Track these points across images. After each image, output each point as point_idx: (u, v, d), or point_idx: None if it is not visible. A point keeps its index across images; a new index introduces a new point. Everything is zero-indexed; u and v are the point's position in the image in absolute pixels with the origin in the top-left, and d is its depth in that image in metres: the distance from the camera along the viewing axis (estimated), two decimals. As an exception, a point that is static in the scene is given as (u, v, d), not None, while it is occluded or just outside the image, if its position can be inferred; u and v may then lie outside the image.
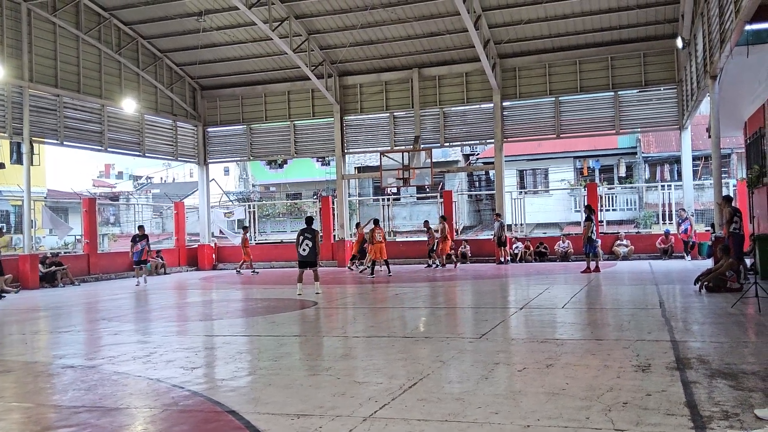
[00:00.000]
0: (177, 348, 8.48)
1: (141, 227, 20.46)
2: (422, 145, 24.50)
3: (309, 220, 14.91)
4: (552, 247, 23.80)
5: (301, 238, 14.41)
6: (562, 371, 6.20)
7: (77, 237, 26.31)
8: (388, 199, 29.80)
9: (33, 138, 20.02)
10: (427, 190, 31.88)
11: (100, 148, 23.12)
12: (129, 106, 23.01)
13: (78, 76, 21.57)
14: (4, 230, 17.52)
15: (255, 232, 29.23)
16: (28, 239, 20.06)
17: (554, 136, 24.28)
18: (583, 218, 18.43)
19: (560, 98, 23.51)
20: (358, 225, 23.12)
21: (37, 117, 19.99)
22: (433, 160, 24.84)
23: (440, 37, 23.14)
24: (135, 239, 19.94)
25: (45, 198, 28.07)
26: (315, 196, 36.38)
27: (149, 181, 60.76)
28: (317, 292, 14.39)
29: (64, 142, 21.51)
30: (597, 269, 17.74)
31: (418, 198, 36.79)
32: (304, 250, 14.39)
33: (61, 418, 5.39)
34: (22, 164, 19.83)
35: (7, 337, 10.52)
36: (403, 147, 24.67)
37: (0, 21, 18.77)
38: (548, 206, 33.23)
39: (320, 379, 6.30)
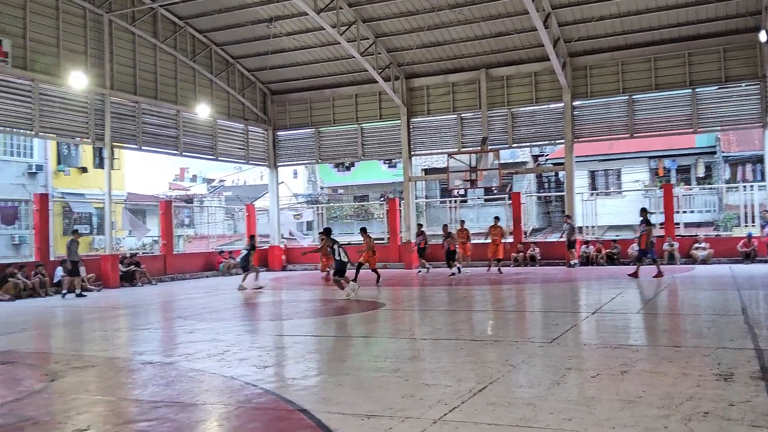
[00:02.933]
0: (249, 346, 8.69)
1: (252, 237, 20.39)
2: (490, 146, 24.28)
3: (328, 231, 15.67)
4: (625, 250, 23.13)
5: (336, 246, 14.59)
6: (638, 378, 6.03)
7: (154, 238, 27.27)
8: (456, 201, 29.65)
9: (114, 143, 20.90)
10: (495, 191, 31.55)
11: (176, 152, 23.92)
12: (203, 111, 23.71)
13: (155, 83, 22.38)
14: (80, 231, 18.18)
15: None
16: (109, 240, 20.95)
17: (627, 135, 23.60)
18: (641, 222, 17.30)
19: (634, 96, 22.84)
20: (419, 226, 22.98)
21: (117, 123, 20.84)
22: (501, 162, 24.56)
23: (508, 37, 22.88)
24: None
25: (125, 201, 29.24)
26: (382, 198, 36.57)
27: (222, 183, 62.43)
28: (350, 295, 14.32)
29: (143, 147, 22.34)
30: (635, 274, 16.77)
31: (485, 200, 36.45)
32: (345, 255, 14.56)
33: (142, 412, 5.61)
34: (104, 169, 20.67)
35: (91, 333, 11.01)
36: (471, 148, 24.50)
37: (84, 33, 19.68)
38: (621, 208, 32.28)
39: (389, 380, 6.33)
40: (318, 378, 6.75)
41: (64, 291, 17.05)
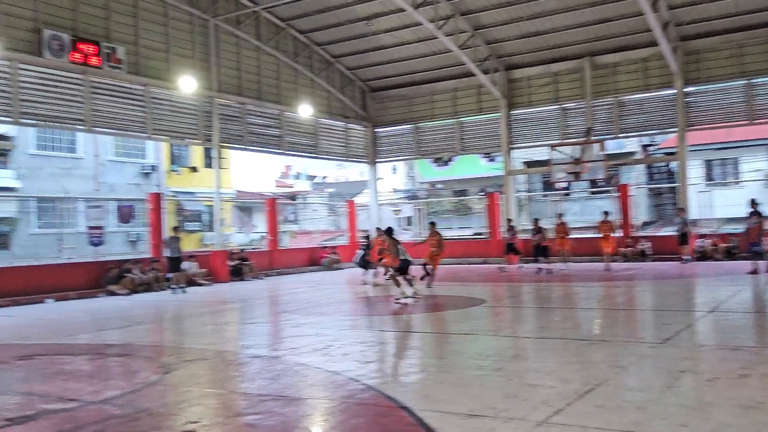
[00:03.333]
0: (352, 342, 8.80)
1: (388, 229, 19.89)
2: (594, 137, 23.43)
3: (392, 230, 14.43)
4: (743, 245, 21.68)
5: (396, 244, 13.73)
6: (759, 383, 5.62)
7: (262, 234, 28.19)
8: (559, 195, 28.85)
9: (221, 144, 21.76)
10: (600, 184, 30.45)
11: (279, 151, 24.62)
12: (304, 110, 24.26)
13: (258, 84, 23.10)
14: (189, 228, 18.88)
15: (423, 229, 29.60)
16: (218, 236, 21.86)
17: (746, 122, 22.12)
18: (751, 214, 15.98)
19: (753, 80, 21.36)
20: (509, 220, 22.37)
21: (224, 124, 21.68)
22: (607, 152, 23.64)
23: (614, 23, 21.95)
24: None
25: (233, 198, 30.44)
26: (481, 193, 36.13)
27: (324, 180, 63.75)
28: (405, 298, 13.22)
29: (248, 147, 23.16)
30: (755, 271, 15.55)
31: (591, 192, 35.25)
32: (405, 254, 13.91)
33: (250, 405, 5.79)
34: (212, 168, 21.55)
35: (202, 327, 11.51)
36: (574, 140, 23.74)
37: (191, 38, 20.59)
38: (739, 199, 30.34)
39: (491, 379, 6.22)
40: (419, 375, 6.73)
41: (173, 286, 17.76)
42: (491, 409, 5.12)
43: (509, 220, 22.38)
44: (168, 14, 19.84)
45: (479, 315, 11.32)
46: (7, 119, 16.51)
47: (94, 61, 17.14)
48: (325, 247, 26.74)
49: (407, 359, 7.56)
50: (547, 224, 21.24)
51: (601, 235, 20.54)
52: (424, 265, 15.92)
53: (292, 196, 48.46)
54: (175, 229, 18.84)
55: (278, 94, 23.85)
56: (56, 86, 16.93)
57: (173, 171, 30.88)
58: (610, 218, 21.10)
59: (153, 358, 8.25)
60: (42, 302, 16.10)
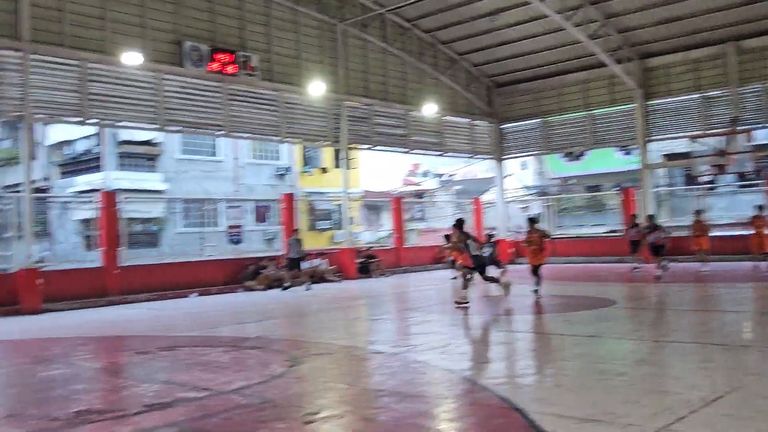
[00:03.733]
0: (471, 341, 8.78)
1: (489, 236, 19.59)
2: (741, 126, 21.75)
3: (462, 223, 13.21)
4: None
5: (470, 241, 12.78)
6: None
7: (388, 232, 28.65)
8: (703, 189, 27.06)
9: (349, 145, 22.38)
10: (749, 177, 28.22)
11: (405, 150, 24.94)
12: (429, 109, 24.40)
13: (385, 85, 23.50)
14: (299, 230, 19.34)
15: (552, 227, 28.82)
16: (347, 234, 22.51)
17: None
18: None
19: None
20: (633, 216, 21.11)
21: (352, 125, 22.26)
22: (757, 143, 21.87)
23: (760, 5, 20.26)
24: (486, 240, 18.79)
25: (362, 197, 31.16)
26: (616, 188, 34.58)
27: (451, 177, 63.70)
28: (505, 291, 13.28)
29: (375, 147, 23.66)
30: None
31: (739, 186, 32.77)
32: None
33: (367, 400, 5.96)
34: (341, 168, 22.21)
35: (330, 322, 11.93)
36: (718, 130, 22.16)
37: (320, 43, 21.32)
38: None
39: (612, 383, 5.99)
40: (536, 377, 6.62)
41: (286, 284, 18.08)
42: (609, 415, 4.94)
43: (633, 216, 21.07)
44: (298, 21, 20.64)
45: (607, 317, 10.88)
46: (154, 126, 17.93)
47: (230, 69, 18.20)
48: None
49: (526, 360, 7.44)
50: (686, 221, 19.99)
51: (753, 232, 19.03)
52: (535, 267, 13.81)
53: (419, 194, 48.81)
54: (296, 231, 19.42)
55: (404, 94, 24.13)
56: (196, 94, 18.12)
57: (305, 172, 32.10)
58: (765, 213, 19.47)
59: (282, 351, 8.65)
60: (186, 296, 17.32)
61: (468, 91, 26.63)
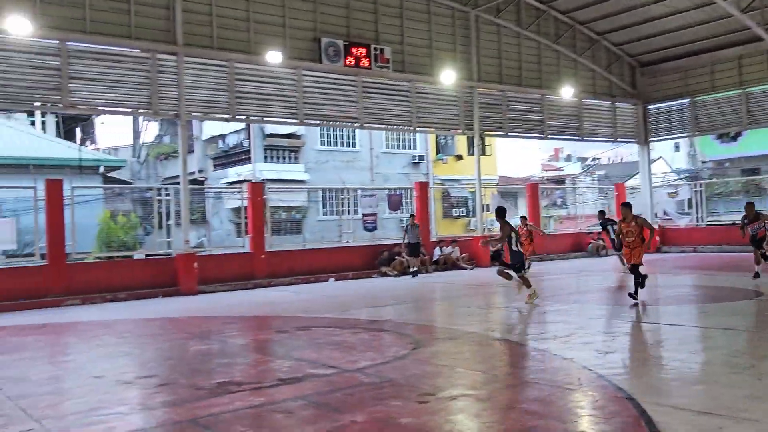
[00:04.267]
0: (597, 331, 8.66)
1: (601, 212, 19.42)
2: None
3: (504, 212, 11.71)
4: None
5: (514, 235, 11.50)
6: None
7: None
8: None
9: (482, 132, 22.34)
10: None
11: (540, 135, 24.47)
12: (566, 92, 23.75)
13: (519, 70, 23.15)
14: (412, 219, 19.49)
15: (704, 213, 27.11)
16: (479, 222, 22.56)
17: None
18: None
19: None
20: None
21: (485, 112, 22.18)
22: None
23: None
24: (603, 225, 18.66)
25: (496, 184, 30.95)
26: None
27: (595, 162, 61.37)
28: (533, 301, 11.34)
29: (508, 133, 23.43)
30: None
31: None
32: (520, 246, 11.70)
33: (480, 384, 6.13)
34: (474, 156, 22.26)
35: (458, 309, 12.15)
36: None
37: (452, 31, 21.38)
38: None
39: (738, 378, 5.75)
40: (658, 368, 6.46)
41: (413, 270, 18.56)
42: (728, 409, 4.79)
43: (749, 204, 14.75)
44: (431, 11, 20.85)
45: (747, 309, 10.25)
46: (294, 121, 18.92)
47: (365, 62, 18.79)
48: (591, 233, 25.93)
49: (650, 351, 7.25)
50: None
51: None
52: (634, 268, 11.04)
53: (560, 180, 47.54)
54: (412, 216, 19.88)
55: (539, 78, 23.67)
56: (333, 88, 18.89)
57: (439, 160, 32.38)
58: None
59: (407, 334, 8.99)
60: (325, 281, 18.23)
61: (609, 72, 25.61)
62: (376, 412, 5.24)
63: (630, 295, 10.52)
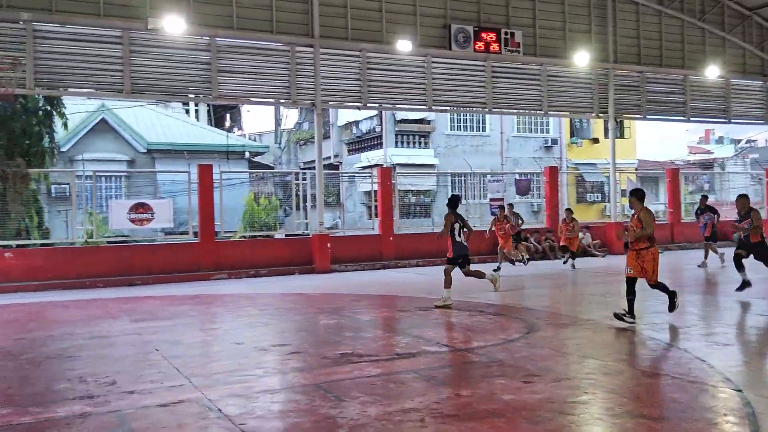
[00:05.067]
0: (719, 323, 8.47)
1: (704, 197, 18.33)
2: None
3: (457, 202, 11.09)
4: None
5: (458, 225, 10.73)
6: None
7: (663, 206, 27.13)
8: None
9: (617, 114, 21.68)
10: None
11: (682, 118, 23.31)
12: (712, 72, 22.45)
13: (659, 50, 22.15)
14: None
15: None
16: (614, 208, 21.97)
17: None
18: None
19: None
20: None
21: (620, 95, 21.49)
22: None
23: None
24: (698, 212, 17.61)
25: (636, 169, 29.79)
26: None
27: (750, 145, 57.00)
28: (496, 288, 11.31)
29: (646, 116, 22.55)
30: None
31: None
32: (464, 240, 10.84)
33: (587, 369, 6.30)
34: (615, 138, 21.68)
35: (580, 296, 12.17)
36: None
37: (587, 12, 20.83)
38: None
39: None
40: (778, 363, 6.32)
41: (516, 258, 17.82)
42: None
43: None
44: (566, -8, 20.47)
45: None
46: (423, 107, 19.41)
47: (494, 47, 18.87)
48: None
49: (777, 346, 7.06)
50: None
51: None
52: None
53: (708, 164, 44.71)
54: (510, 205, 19.27)
55: (681, 58, 22.56)
56: (462, 74, 19.14)
57: (573, 143, 31.62)
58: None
59: (522, 319, 9.23)
60: (451, 264, 18.59)
61: (762, 49, 23.89)
62: (479, 388, 5.62)
63: (616, 315, 8.38)
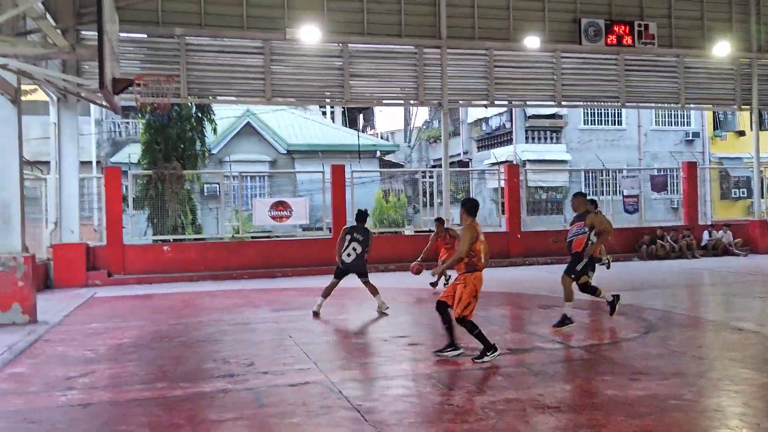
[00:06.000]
0: None
1: None
2: None
3: (362, 216, 10.57)
4: None
5: (349, 238, 10.24)
6: None
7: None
8: None
9: (761, 107, 20.33)
10: None
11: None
12: None
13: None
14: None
15: None
16: (757, 205, 20.65)
17: None
18: None
19: None
20: None
21: (765, 86, 20.13)
22: None
23: None
24: None
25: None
26: None
27: None
28: (383, 311, 10.17)
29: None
30: None
31: None
32: (348, 254, 10.21)
33: (696, 368, 6.30)
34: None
35: (708, 296, 11.75)
36: None
37: (728, 0, 19.67)
38: None
39: None
40: None
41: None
42: None
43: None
44: (706, -22, 19.48)
45: None
46: (551, 103, 19.26)
47: (627, 40, 18.38)
48: None
49: None
50: None
51: None
52: None
53: None
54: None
55: None
56: (592, 68, 18.83)
57: (717, 136, 29.75)
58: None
59: (644, 318, 9.16)
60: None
61: None
62: (585, 383, 5.84)
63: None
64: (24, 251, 9.87)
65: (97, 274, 15.51)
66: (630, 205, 20.34)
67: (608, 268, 15.03)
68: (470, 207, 7.02)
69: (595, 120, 28.33)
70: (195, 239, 18.39)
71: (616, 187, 21.21)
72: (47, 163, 16.45)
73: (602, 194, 21.52)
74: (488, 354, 6.64)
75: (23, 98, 10.22)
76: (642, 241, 19.16)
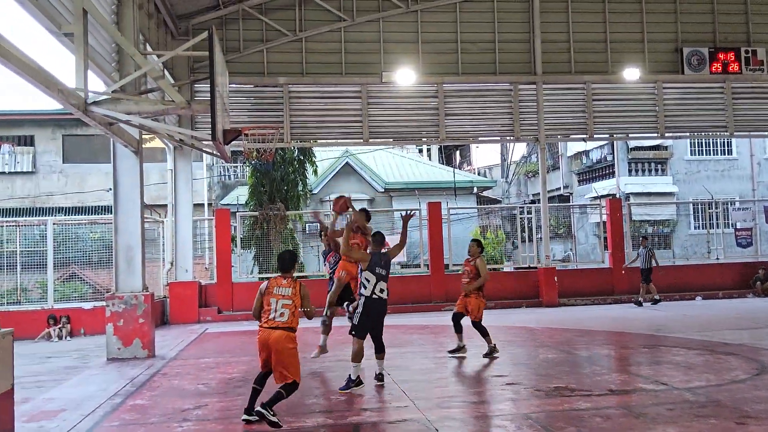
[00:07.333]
0: None
1: None
2: None
3: (380, 239, 8.16)
4: None
5: (377, 270, 7.76)
6: None
7: None
8: None
9: None
10: None
11: None
12: None
13: None
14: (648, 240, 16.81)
15: None
16: None
17: None
18: None
19: None
20: None
21: None
22: None
23: None
24: None
25: None
26: None
27: None
28: (379, 381, 7.94)
29: None
30: None
31: None
32: (382, 290, 7.75)
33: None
34: None
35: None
36: None
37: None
38: None
39: None
40: None
41: (639, 299, 16.81)
42: None
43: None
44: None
45: None
46: (654, 134, 18.77)
47: (733, 67, 17.76)
48: None
49: None
50: None
51: None
52: None
53: None
54: (644, 239, 17.93)
55: None
56: (696, 98, 18.24)
57: None
58: None
59: (756, 359, 8.71)
60: (691, 299, 17.65)
61: None
62: (688, 427, 5.66)
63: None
64: (144, 290, 10.66)
65: (208, 310, 16.38)
66: (743, 238, 19.36)
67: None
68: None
69: (703, 150, 27.19)
70: (298, 277, 18.99)
71: (727, 219, 20.25)
72: (164, 206, 17.67)
73: (712, 227, 20.61)
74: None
75: (143, 146, 11.14)
76: (757, 276, 18.15)
